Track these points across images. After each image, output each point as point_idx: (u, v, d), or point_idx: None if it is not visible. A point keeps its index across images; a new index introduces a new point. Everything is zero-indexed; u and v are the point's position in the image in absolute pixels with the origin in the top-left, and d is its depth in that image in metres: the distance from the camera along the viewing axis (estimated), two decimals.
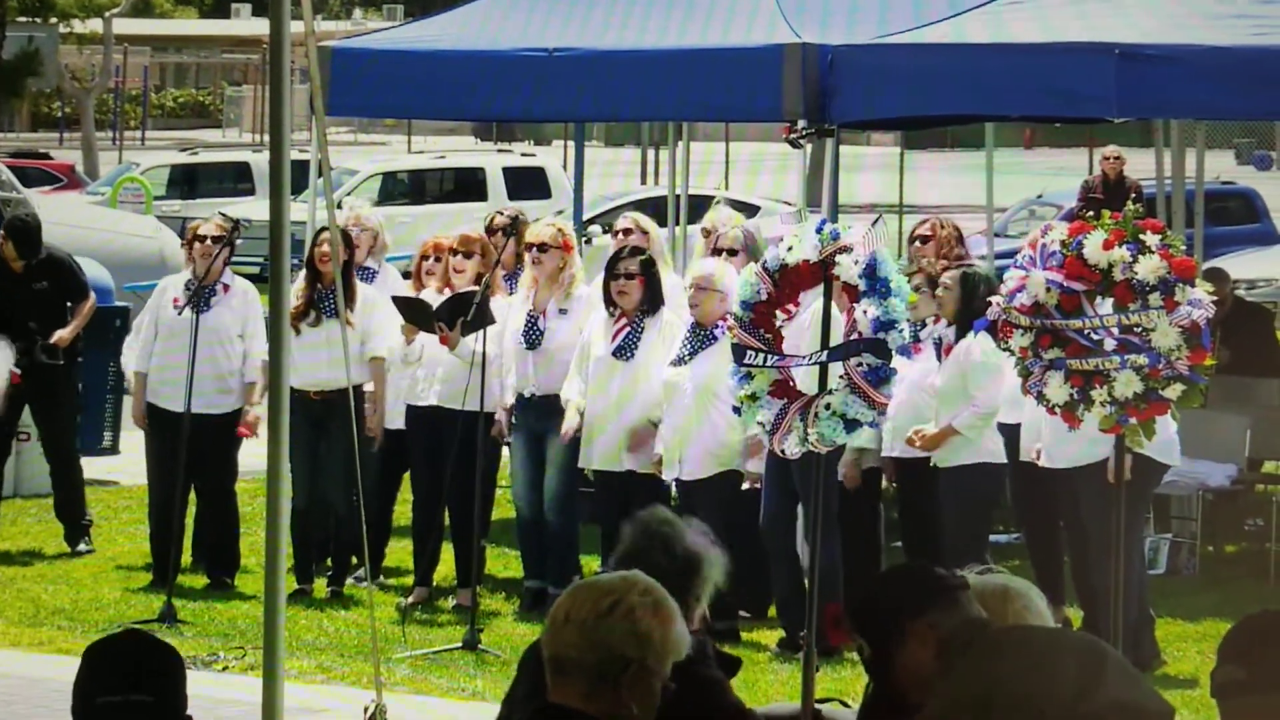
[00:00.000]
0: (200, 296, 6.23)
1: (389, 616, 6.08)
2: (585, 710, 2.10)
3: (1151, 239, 4.53)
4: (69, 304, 7.02)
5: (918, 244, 6.39)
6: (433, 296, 6.21)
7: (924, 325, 5.78)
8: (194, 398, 6.21)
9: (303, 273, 6.37)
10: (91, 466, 8.20)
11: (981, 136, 9.26)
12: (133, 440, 7.87)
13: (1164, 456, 5.55)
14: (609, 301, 5.99)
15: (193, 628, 5.95)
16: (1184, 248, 4.72)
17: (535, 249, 6.10)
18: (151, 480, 6.55)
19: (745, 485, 5.75)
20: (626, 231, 6.47)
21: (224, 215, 7.69)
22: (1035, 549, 6.14)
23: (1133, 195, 10.60)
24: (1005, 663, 2.24)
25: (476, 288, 6.05)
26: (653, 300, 5.94)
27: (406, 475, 6.58)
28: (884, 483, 6.20)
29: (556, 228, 6.21)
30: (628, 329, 5.92)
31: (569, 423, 5.91)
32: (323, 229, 6.23)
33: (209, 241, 6.32)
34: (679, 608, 2.18)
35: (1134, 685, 2.24)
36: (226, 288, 6.37)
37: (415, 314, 6.12)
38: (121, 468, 8.16)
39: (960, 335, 5.63)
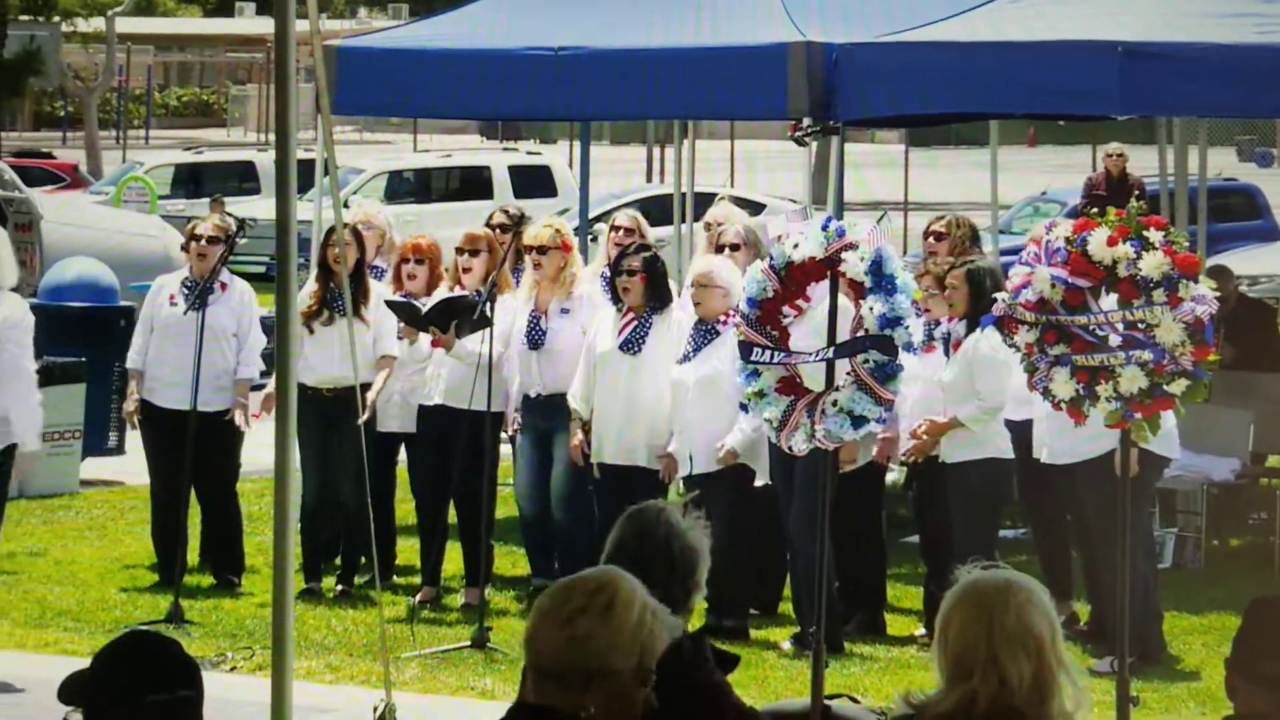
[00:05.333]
0: (202, 296, 6.24)
1: (397, 615, 6.10)
2: (558, 708, 2.12)
3: (1155, 235, 4.54)
4: None
5: (931, 240, 6.33)
6: (437, 299, 6.22)
7: (938, 324, 5.76)
8: (189, 394, 6.21)
9: (314, 273, 6.38)
10: (96, 467, 8.22)
11: (986, 134, 9.25)
12: (138, 440, 7.87)
13: (1164, 450, 5.57)
14: (615, 297, 6.01)
15: (200, 628, 5.94)
16: (1187, 244, 4.73)
17: (535, 251, 6.11)
18: (152, 479, 6.55)
19: (756, 482, 5.72)
20: (629, 231, 6.46)
21: (229, 214, 7.68)
22: (1042, 544, 6.14)
23: (1136, 192, 10.61)
24: None
25: (465, 291, 6.03)
26: (659, 296, 5.94)
27: (401, 473, 6.58)
28: (887, 479, 6.21)
29: (555, 229, 6.22)
30: (635, 323, 5.93)
31: (575, 436, 5.92)
32: (334, 228, 6.23)
33: (204, 242, 6.32)
34: (649, 600, 2.14)
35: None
36: (224, 286, 6.36)
37: (408, 317, 6.11)
38: (126, 468, 8.15)
39: (970, 331, 5.62)
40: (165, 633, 2.41)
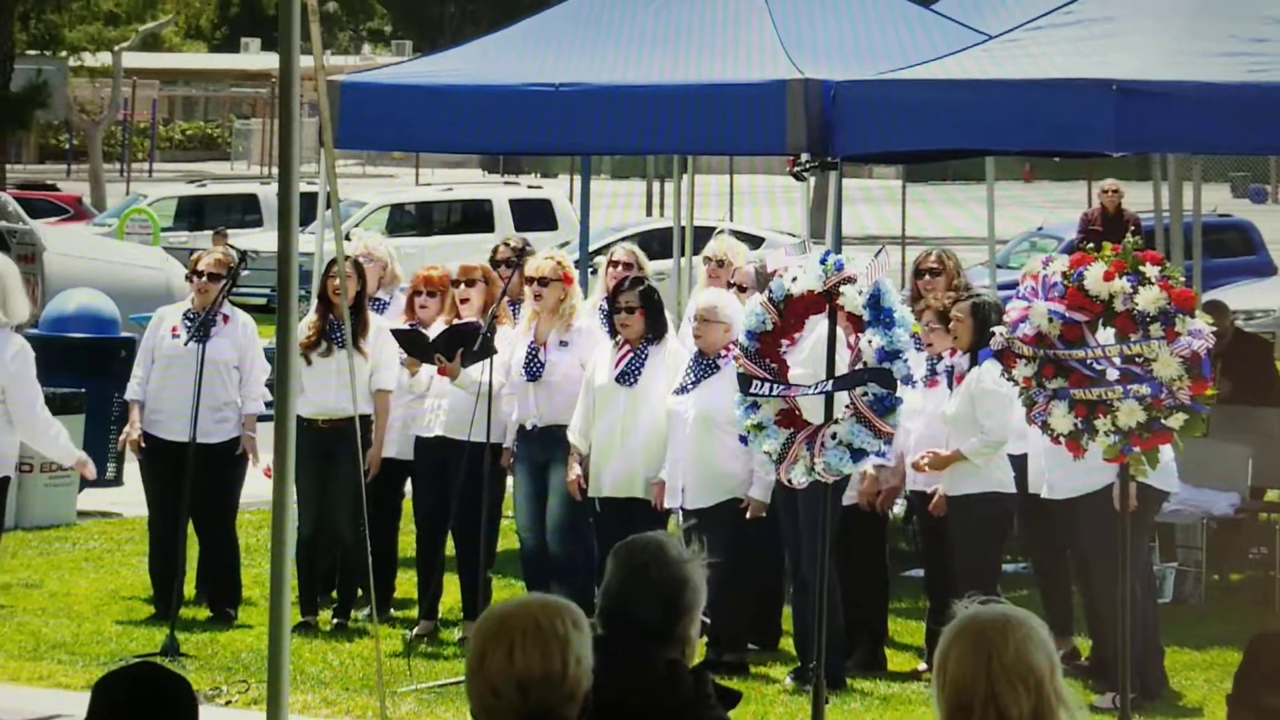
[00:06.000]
0: (203, 328, 6.26)
1: (394, 649, 6.07)
2: None
3: (1151, 270, 4.58)
4: None
5: (926, 277, 6.30)
6: (441, 329, 6.22)
7: (940, 359, 5.75)
8: (190, 426, 6.22)
9: (314, 304, 6.40)
10: (95, 498, 8.19)
11: (982, 170, 9.31)
12: (135, 472, 7.84)
13: (1163, 484, 5.55)
14: (613, 330, 6.02)
15: (195, 661, 5.90)
16: (1183, 279, 4.76)
17: (536, 283, 6.13)
18: (151, 511, 6.53)
19: (749, 514, 5.73)
20: (628, 265, 6.49)
21: (232, 246, 7.69)
22: (1042, 579, 6.12)
23: (1131, 228, 10.64)
24: None
25: (473, 318, 6.05)
26: (656, 329, 5.96)
27: (406, 504, 6.58)
28: (890, 511, 6.19)
29: (556, 261, 6.24)
30: (631, 355, 5.94)
31: (572, 470, 5.93)
32: (334, 260, 6.25)
33: (205, 279, 6.37)
34: (559, 635, 2.13)
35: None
36: (226, 319, 6.38)
37: (413, 346, 6.12)
38: (124, 499, 8.12)
39: (973, 364, 5.62)
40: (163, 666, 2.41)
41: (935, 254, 6.43)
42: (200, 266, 6.47)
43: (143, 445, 6.40)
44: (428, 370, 6.17)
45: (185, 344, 6.32)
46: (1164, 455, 4.99)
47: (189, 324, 6.34)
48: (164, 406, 6.36)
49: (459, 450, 6.04)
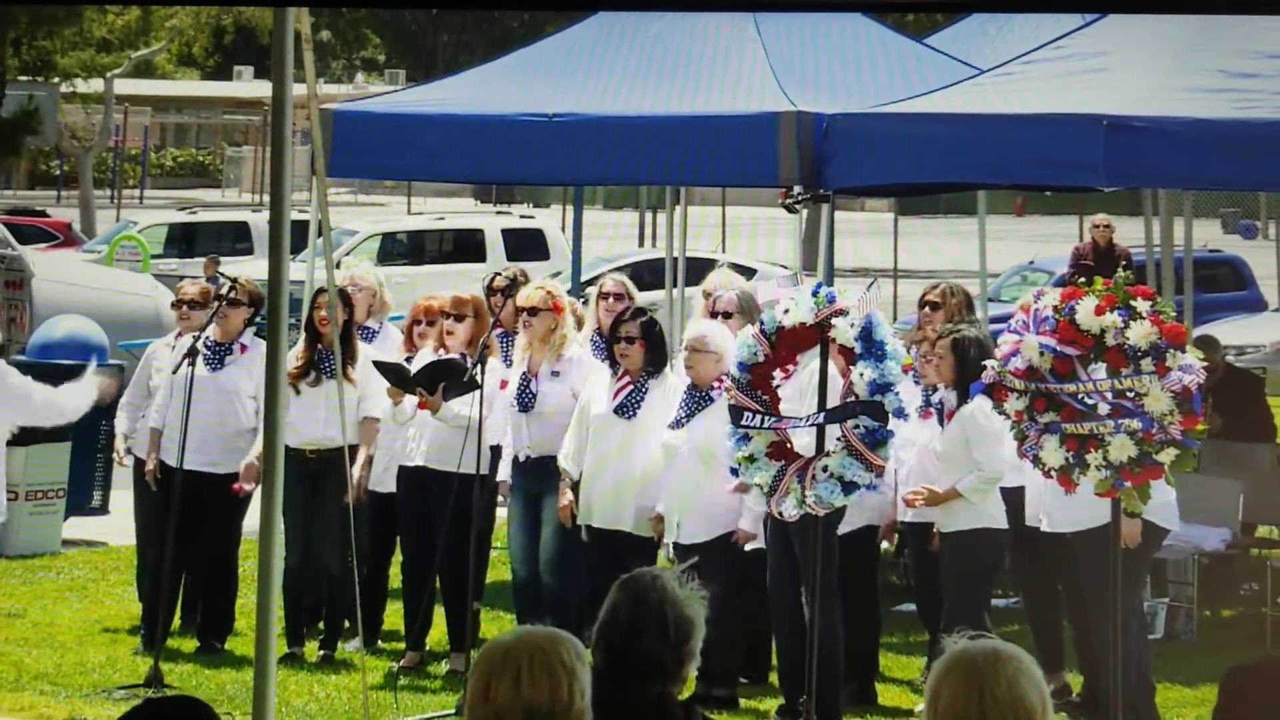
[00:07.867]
0: (215, 354, 6.21)
1: (380, 681, 6.00)
2: None
3: (1142, 305, 4.59)
4: None
5: (927, 310, 6.23)
6: (429, 358, 6.19)
7: (935, 391, 5.72)
8: (198, 454, 6.18)
9: (302, 334, 6.38)
10: (80, 526, 8.13)
11: (974, 203, 9.36)
12: (121, 500, 7.79)
13: (1164, 521, 5.53)
14: (612, 360, 6.00)
15: (179, 693, 5.85)
16: (1174, 314, 4.77)
17: (526, 312, 6.12)
18: (148, 538, 6.45)
19: (747, 546, 5.68)
20: (618, 297, 6.48)
21: (221, 274, 7.69)
22: (1034, 614, 6.10)
23: (1123, 262, 10.70)
24: None
25: (454, 354, 6.02)
26: (656, 361, 5.93)
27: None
28: (883, 545, 6.15)
29: (546, 290, 6.22)
30: (630, 387, 5.90)
31: (564, 497, 5.89)
32: (320, 290, 6.23)
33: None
34: (565, 667, 2.12)
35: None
36: (244, 348, 6.33)
37: (396, 379, 6.09)
38: (110, 528, 8.06)
39: (961, 399, 5.61)
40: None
41: (941, 288, 6.30)
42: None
43: (158, 476, 6.33)
44: (410, 401, 6.14)
45: (174, 372, 6.27)
46: (1167, 494, 4.96)
47: (208, 353, 6.27)
48: (178, 435, 6.28)
49: (441, 480, 5.99)
